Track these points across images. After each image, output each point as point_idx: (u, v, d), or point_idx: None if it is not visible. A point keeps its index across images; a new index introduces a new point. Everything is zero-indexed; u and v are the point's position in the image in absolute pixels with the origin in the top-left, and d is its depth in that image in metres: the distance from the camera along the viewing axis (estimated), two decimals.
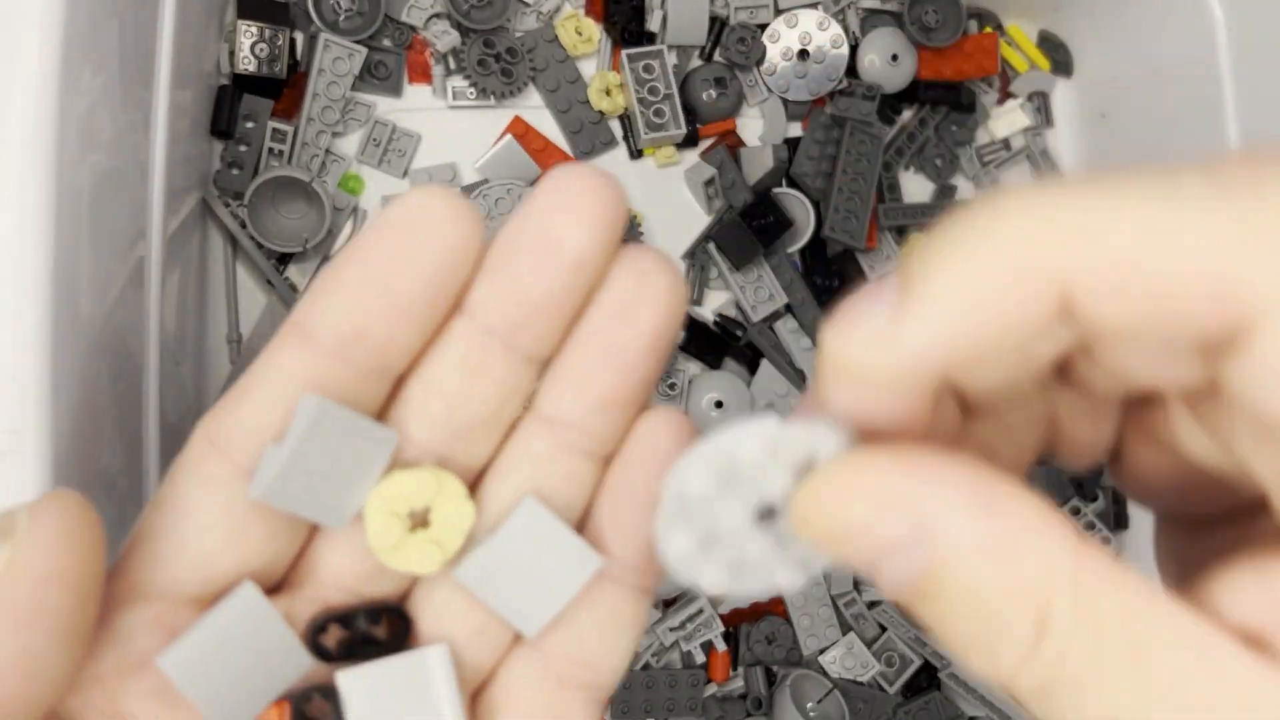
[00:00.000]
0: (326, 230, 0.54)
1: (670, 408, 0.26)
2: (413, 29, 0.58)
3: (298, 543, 0.26)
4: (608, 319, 0.25)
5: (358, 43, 0.55)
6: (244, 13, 0.55)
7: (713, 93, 0.59)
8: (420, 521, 0.25)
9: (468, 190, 0.57)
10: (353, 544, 0.26)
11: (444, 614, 0.27)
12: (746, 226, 0.57)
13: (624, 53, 0.57)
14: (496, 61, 0.57)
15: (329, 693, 0.26)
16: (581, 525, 0.27)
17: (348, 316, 0.24)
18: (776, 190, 0.59)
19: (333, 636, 0.26)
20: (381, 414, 0.26)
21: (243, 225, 0.54)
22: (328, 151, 0.56)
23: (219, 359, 0.56)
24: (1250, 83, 0.52)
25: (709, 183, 0.59)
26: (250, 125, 0.55)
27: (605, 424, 0.26)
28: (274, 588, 0.26)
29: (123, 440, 0.42)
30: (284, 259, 0.56)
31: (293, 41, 0.56)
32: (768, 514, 0.24)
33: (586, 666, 0.27)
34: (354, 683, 0.25)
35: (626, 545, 0.27)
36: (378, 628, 0.26)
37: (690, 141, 0.59)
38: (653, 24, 0.58)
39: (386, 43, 0.57)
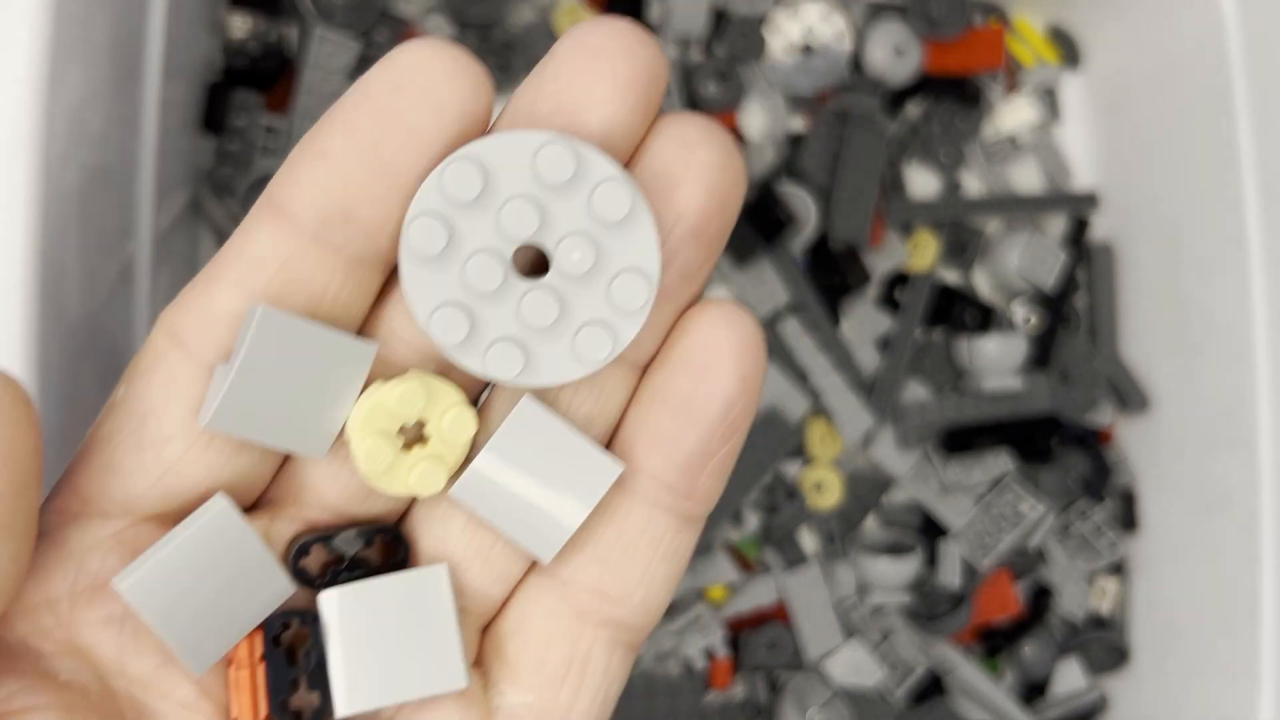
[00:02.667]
0: None
1: (727, 299, 0.23)
2: (408, 23, 0.57)
3: (276, 455, 0.23)
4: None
5: (352, 36, 0.55)
6: (236, 5, 0.54)
7: (712, 85, 0.58)
8: (416, 436, 0.23)
9: None
10: (340, 458, 0.23)
11: (446, 536, 0.24)
12: (748, 222, 0.56)
13: None
14: (494, 56, 0.56)
15: (309, 618, 0.23)
16: (612, 438, 0.24)
17: (331, 192, 0.21)
18: (780, 188, 0.58)
19: (316, 560, 0.23)
20: (375, 308, 0.23)
21: (235, 222, 0.54)
22: None
23: None
24: (1260, 75, 0.51)
25: None
26: (242, 121, 0.54)
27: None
28: (251, 505, 0.24)
29: None
30: None
31: (285, 35, 0.55)
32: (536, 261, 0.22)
33: (612, 600, 0.24)
34: (338, 606, 0.23)
35: (663, 458, 0.23)
36: (370, 551, 0.24)
37: None
38: (651, 16, 0.57)
39: (381, 36, 0.57)
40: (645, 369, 0.24)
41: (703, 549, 0.58)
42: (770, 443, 0.57)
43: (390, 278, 0.23)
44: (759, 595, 0.59)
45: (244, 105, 0.54)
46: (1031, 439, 0.60)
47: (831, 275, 0.58)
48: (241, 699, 0.22)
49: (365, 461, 0.22)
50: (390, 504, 0.24)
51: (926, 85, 0.60)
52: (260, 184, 0.53)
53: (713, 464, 0.23)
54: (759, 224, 0.56)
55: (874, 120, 0.57)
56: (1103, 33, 0.61)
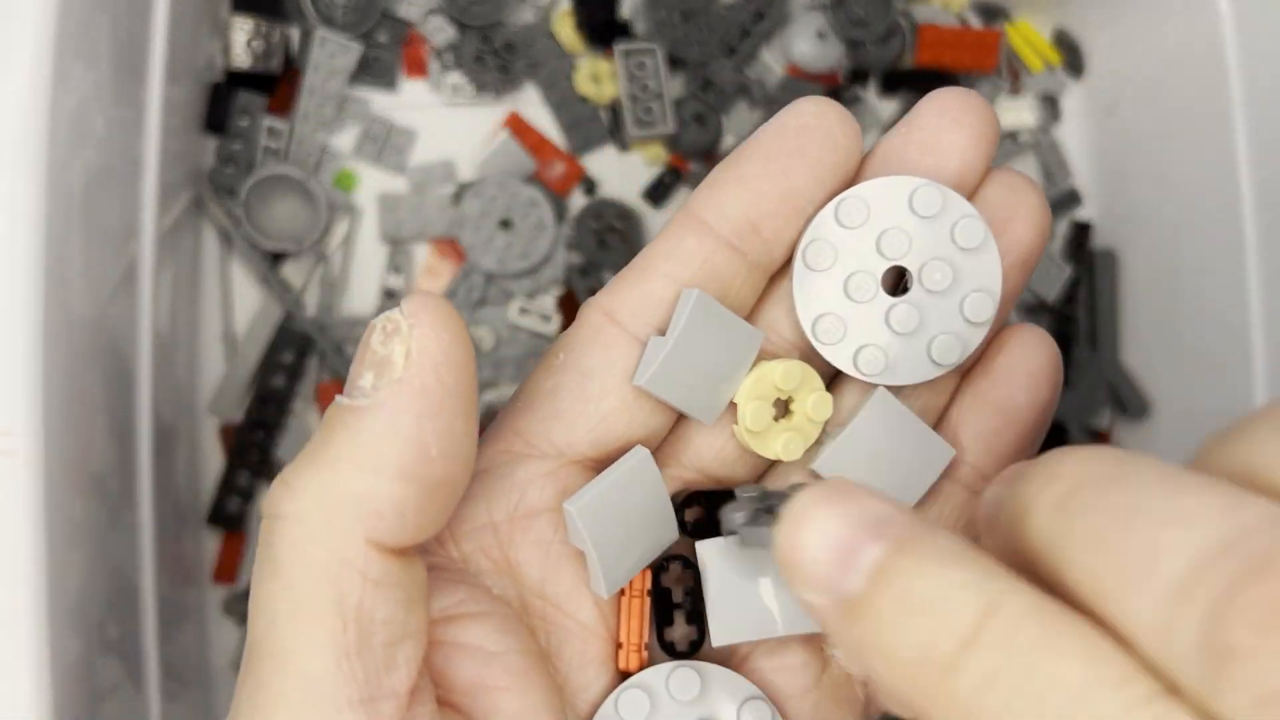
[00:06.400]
0: (322, 228, 0.54)
1: (1034, 326, 0.27)
2: (409, 24, 0.57)
3: (673, 419, 0.28)
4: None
5: (353, 38, 0.55)
6: (238, 7, 0.54)
7: (695, 131, 0.58)
8: (782, 412, 0.27)
9: (465, 187, 0.56)
10: (715, 430, 0.28)
11: None
12: None
13: (617, 47, 0.56)
14: (494, 57, 0.56)
15: (688, 562, 0.28)
16: (938, 428, 0.28)
17: (746, 209, 0.26)
18: None
19: (693, 513, 0.28)
20: (758, 305, 0.28)
21: (237, 223, 0.54)
22: (323, 149, 0.56)
23: (212, 358, 0.55)
24: (1257, 78, 0.52)
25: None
26: (244, 122, 0.54)
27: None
28: None
29: (115, 440, 0.41)
30: (278, 257, 0.56)
31: (287, 37, 0.56)
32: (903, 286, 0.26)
33: None
34: (714, 554, 0.27)
35: (984, 451, 0.27)
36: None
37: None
38: (625, 11, 0.57)
39: (382, 38, 0.57)
40: (965, 374, 0.28)
41: None
42: None
43: (771, 280, 0.28)
44: None
45: (246, 107, 0.54)
46: None
47: None
48: (630, 625, 0.27)
49: (749, 420, 0.26)
50: (749, 472, 0.28)
51: (915, 76, 0.59)
52: (262, 185, 0.53)
53: (1023, 458, 0.27)
54: None
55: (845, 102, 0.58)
56: (1101, 35, 0.61)
